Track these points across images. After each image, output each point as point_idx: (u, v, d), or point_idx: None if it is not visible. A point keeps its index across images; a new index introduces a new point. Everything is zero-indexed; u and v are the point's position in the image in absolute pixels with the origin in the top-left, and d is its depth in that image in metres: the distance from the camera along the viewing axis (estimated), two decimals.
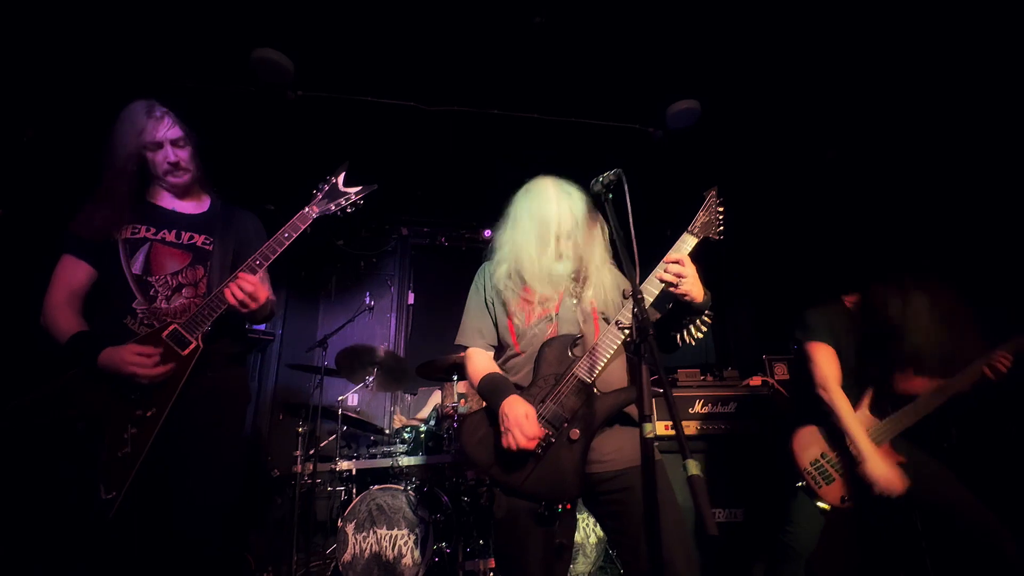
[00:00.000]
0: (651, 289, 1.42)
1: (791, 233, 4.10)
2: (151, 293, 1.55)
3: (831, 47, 2.78)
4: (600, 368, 1.42)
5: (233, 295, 1.48)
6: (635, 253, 1.26)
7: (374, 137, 3.57)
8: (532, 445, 1.36)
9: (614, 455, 1.44)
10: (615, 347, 1.42)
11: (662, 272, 1.38)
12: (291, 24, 2.67)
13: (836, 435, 2.06)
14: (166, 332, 1.47)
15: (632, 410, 1.48)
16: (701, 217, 1.52)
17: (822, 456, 2.06)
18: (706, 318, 1.46)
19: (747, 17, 2.63)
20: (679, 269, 1.35)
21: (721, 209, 1.54)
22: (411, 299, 4.95)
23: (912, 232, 3.40)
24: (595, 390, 1.43)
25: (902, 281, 2.15)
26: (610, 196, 1.39)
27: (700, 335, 1.49)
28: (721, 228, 1.52)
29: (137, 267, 1.56)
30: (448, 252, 5.08)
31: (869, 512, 2.04)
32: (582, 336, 1.52)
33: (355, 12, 2.60)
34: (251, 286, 1.50)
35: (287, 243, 1.58)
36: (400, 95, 3.21)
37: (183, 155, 1.66)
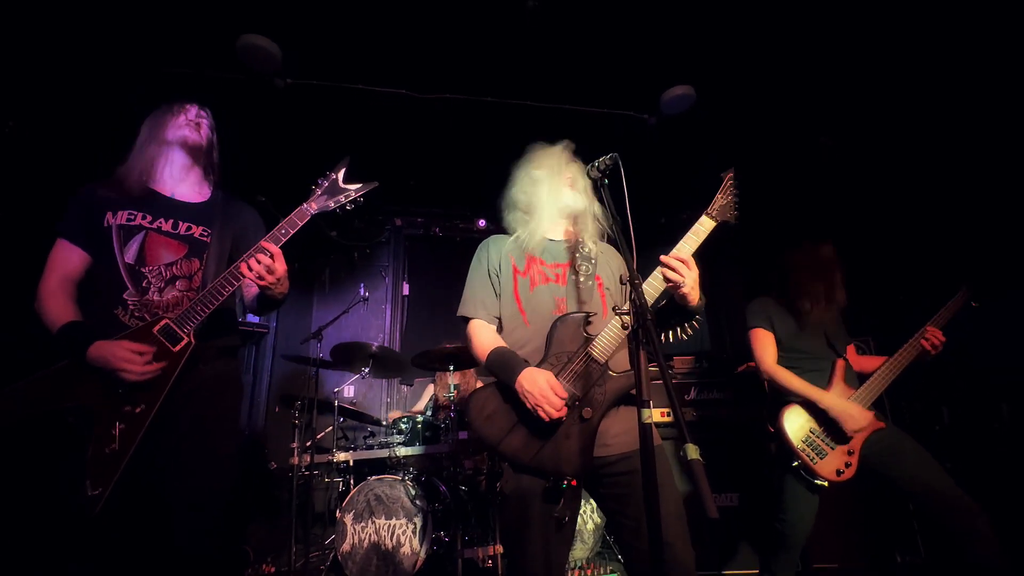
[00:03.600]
0: (649, 292, 1.42)
1: (785, 218, 4.11)
2: (143, 284, 1.51)
3: (825, 32, 2.76)
4: (612, 349, 1.42)
5: (249, 268, 1.45)
6: (632, 238, 1.25)
7: (366, 126, 3.52)
8: (564, 413, 1.38)
9: (619, 438, 1.45)
10: (627, 330, 1.38)
11: (665, 270, 1.37)
12: (279, 10, 2.62)
13: (814, 407, 2.11)
14: (157, 327, 1.43)
15: (634, 407, 1.47)
16: (719, 199, 1.50)
17: (811, 432, 2.08)
18: (695, 323, 1.48)
19: (741, 2, 2.60)
20: (683, 269, 1.36)
21: (737, 192, 1.53)
22: (406, 290, 4.93)
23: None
24: (609, 371, 1.43)
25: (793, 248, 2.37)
26: (606, 181, 1.38)
27: (685, 337, 1.50)
28: (737, 211, 1.50)
29: (130, 256, 1.52)
30: (443, 242, 5.05)
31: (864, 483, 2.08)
32: (595, 314, 1.50)
33: None
34: (269, 260, 1.46)
35: (284, 240, 1.54)
36: (392, 83, 3.16)
37: (206, 125, 1.70)
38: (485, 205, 4.65)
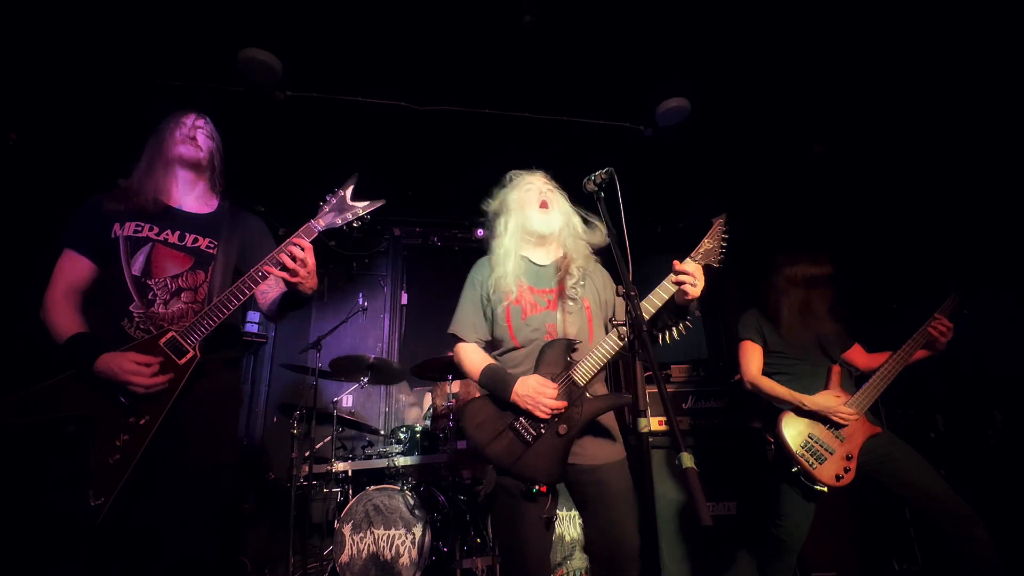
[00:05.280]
0: (655, 301, 1.53)
1: (781, 228, 4.15)
2: (149, 296, 1.51)
3: (816, 43, 2.81)
4: (593, 374, 1.55)
5: (282, 263, 1.47)
6: (627, 250, 1.27)
7: (365, 137, 3.55)
8: (561, 406, 1.52)
9: (593, 452, 1.60)
10: (609, 355, 1.54)
11: (681, 277, 1.49)
12: (279, 24, 2.65)
13: (810, 412, 2.12)
14: (164, 339, 1.44)
15: (608, 420, 1.65)
16: (705, 244, 1.59)
17: (810, 437, 2.09)
18: (688, 322, 1.61)
19: (736, 14, 2.65)
20: (695, 277, 1.50)
21: (726, 237, 1.62)
22: (404, 299, 4.94)
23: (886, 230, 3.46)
24: (586, 393, 1.57)
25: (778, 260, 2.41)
26: (602, 195, 1.41)
27: (678, 337, 1.62)
28: (722, 256, 1.59)
29: (137, 268, 1.52)
30: (441, 252, 5.07)
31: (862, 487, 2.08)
32: (580, 342, 1.63)
33: (344, 11, 2.59)
34: (301, 252, 1.47)
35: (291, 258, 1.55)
36: (391, 95, 3.19)
37: (203, 136, 1.72)
38: (483, 215, 4.67)
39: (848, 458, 2.05)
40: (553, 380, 1.56)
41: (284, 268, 1.49)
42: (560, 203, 1.83)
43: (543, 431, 1.54)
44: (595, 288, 1.77)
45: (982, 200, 3.01)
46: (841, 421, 2.06)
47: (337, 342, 4.15)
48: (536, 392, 1.52)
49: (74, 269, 1.55)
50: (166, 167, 1.66)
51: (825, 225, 3.83)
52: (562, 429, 1.53)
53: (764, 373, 2.31)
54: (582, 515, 1.68)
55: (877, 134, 3.41)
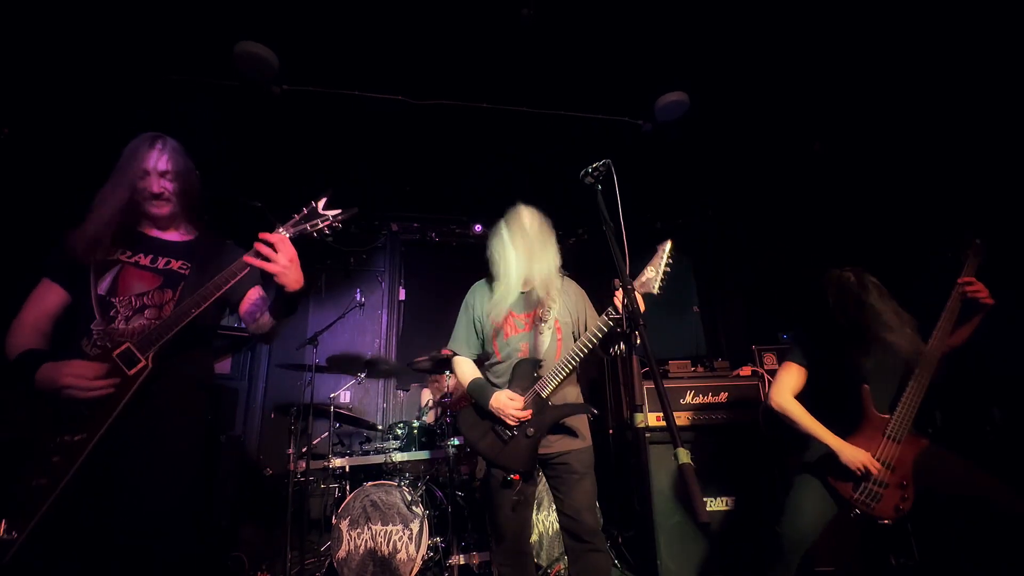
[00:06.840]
0: (600, 327, 1.83)
1: (780, 224, 4.14)
2: (111, 314, 1.47)
3: (819, 34, 2.79)
4: (552, 388, 1.91)
5: (257, 251, 1.41)
6: (624, 243, 1.26)
7: (362, 132, 3.53)
8: (527, 415, 1.90)
9: (561, 444, 2.00)
10: (567, 371, 1.90)
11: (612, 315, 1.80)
12: (276, 17, 2.63)
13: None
14: (118, 351, 1.38)
15: (576, 420, 2.02)
16: (646, 273, 1.76)
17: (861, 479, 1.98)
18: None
19: (735, 8, 2.63)
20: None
21: (670, 263, 1.73)
22: (402, 295, 4.92)
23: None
24: (549, 403, 1.95)
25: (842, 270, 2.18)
26: (600, 187, 1.40)
27: (622, 351, 1.89)
28: (663, 282, 1.74)
29: (103, 288, 1.50)
30: (439, 248, 5.05)
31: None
32: (544, 360, 2.01)
33: (341, 4, 2.57)
34: (267, 248, 1.40)
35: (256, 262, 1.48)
36: (388, 89, 3.17)
37: (168, 187, 1.61)
38: (481, 210, 4.67)
39: (903, 486, 1.92)
40: (522, 393, 1.93)
41: (261, 257, 1.42)
42: (541, 246, 2.12)
43: (515, 433, 1.93)
44: (566, 306, 2.09)
45: (981, 199, 2.99)
46: (864, 471, 1.91)
47: (334, 338, 4.14)
48: (504, 405, 1.91)
49: (45, 296, 1.52)
50: (134, 216, 1.61)
51: (824, 222, 3.81)
52: (530, 431, 1.92)
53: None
54: (552, 492, 2.04)
55: (877, 131, 3.40)
